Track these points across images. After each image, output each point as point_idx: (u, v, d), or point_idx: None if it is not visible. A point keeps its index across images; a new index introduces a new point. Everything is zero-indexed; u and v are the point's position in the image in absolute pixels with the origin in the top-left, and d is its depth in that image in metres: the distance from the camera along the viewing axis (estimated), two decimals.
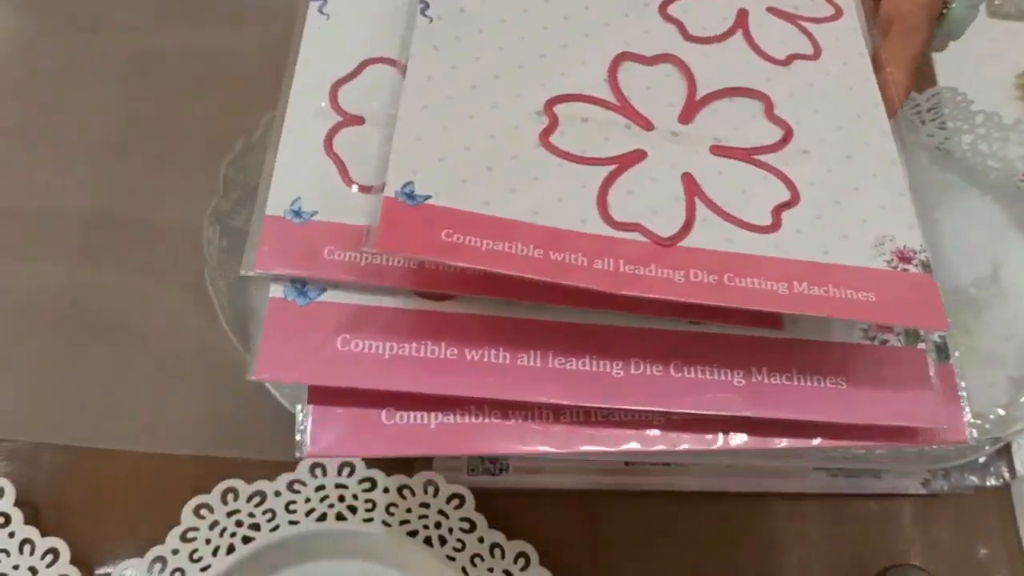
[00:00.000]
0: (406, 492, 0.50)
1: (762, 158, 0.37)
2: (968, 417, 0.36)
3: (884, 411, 0.35)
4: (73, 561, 0.48)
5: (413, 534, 0.49)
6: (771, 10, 0.42)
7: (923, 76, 0.65)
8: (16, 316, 0.56)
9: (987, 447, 0.51)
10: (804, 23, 0.42)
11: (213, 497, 0.49)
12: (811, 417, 0.34)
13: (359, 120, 0.37)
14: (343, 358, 0.33)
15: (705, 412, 0.34)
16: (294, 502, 0.50)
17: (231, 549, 0.48)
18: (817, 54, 0.41)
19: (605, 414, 0.34)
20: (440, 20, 0.38)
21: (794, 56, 0.40)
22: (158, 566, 0.48)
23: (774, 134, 0.38)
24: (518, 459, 0.51)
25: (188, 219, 0.53)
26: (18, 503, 0.49)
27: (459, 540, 0.49)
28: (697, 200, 0.35)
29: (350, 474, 0.50)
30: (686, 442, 0.34)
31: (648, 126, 0.37)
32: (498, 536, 0.49)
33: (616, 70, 0.38)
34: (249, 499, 0.50)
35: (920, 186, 0.56)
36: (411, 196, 0.32)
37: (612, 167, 0.35)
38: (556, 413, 0.34)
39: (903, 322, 0.35)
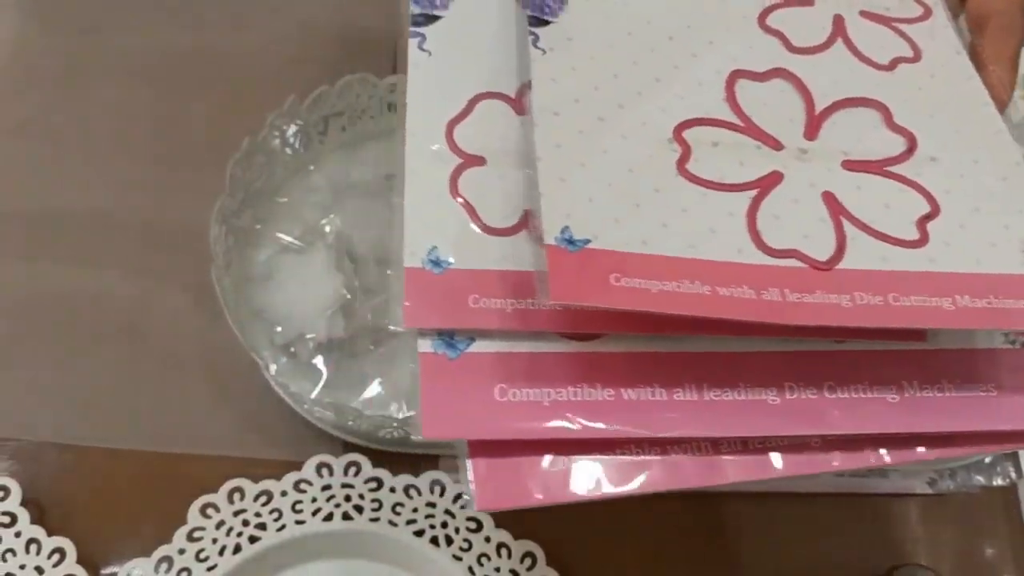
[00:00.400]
0: (412, 492, 0.50)
1: (894, 169, 0.36)
2: None
3: None
4: (79, 561, 0.48)
5: (419, 534, 0.49)
6: (864, 14, 0.41)
7: None
8: (20, 316, 0.56)
9: None
10: (898, 24, 0.41)
11: (219, 496, 0.49)
12: (969, 427, 0.34)
13: (480, 160, 0.36)
14: (504, 409, 0.32)
15: (867, 432, 0.33)
16: (300, 501, 0.49)
17: (237, 549, 0.48)
18: (917, 56, 0.40)
19: (761, 440, 0.34)
20: (553, 51, 0.38)
21: (897, 60, 0.40)
22: (164, 565, 0.48)
23: (899, 144, 0.37)
24: None
25: (193, 219, 0.53)
26: (24, 503, 0.49)
27: (465, 540, 0.49)
28: (844, 220, 0.35)
29: (356, 473, 0.50)
30: (840, 461, 0.34)
31: (777, 145, 0.36)
32: (505, 536, 0.49)
33: (733, 89, 0.38)
34: (255, 498, 0.49)
35: None
36: (571, 242, 0.32)
37: (754, 192, 0.35)
38: (713, 444, 0.34)
39: None
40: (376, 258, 0.54)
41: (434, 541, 0.49)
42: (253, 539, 0.48)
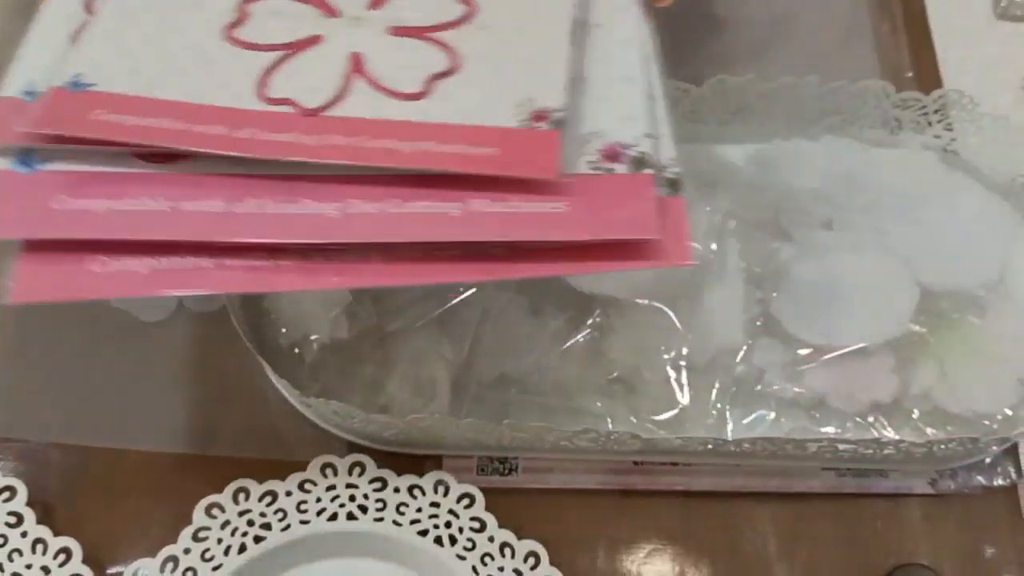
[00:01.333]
0: (416, 492, 0.50)
1: (437, 35, 0.39)
2: (692, 244, 0.37)
3: (601, 226, 0.35)
4: (85, 560, 0.48)
5: (423, 533, 0.49)
6: None
7: (930, 78, 0.66)
8: (26, 316, 0.56)
9: (994, 447, 0.51)
10: None
11: (224, 496, 0.50)
12: (530, 236, 0.35)
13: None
14: (58, 214, 0.34)
15: (420, 239, 0.35)
16: (305, 501, 0.50)
17: (243, 548, 0.48)
18: None
19: (320, 251, 0.35)
20: None
21: None
22: (170, 565, 0.48)
23: (457, 11, 0.40)
24: (528, 459, 0.52)
25: None
26: (30, 503, 0.49)
27: (469, 540, 0.49)
28: (356, 75, 0.37)
29: (360, 474, 0.51)
30: (406, 276, 0.35)
31: (333, 13, 0.39)
32: (508, 536, 0.49)
33: None
34: (260, 498, 0.50)
35: (927, 186, 0.57)
36: (76, 85, 0.36)
37: (284, 52, 0.38)
38: (272, 256, 0.35)
39: (510, 172, 0.36)
40: None
41: (438, 541, 0.49)
42: (258, 539, 0.48)
